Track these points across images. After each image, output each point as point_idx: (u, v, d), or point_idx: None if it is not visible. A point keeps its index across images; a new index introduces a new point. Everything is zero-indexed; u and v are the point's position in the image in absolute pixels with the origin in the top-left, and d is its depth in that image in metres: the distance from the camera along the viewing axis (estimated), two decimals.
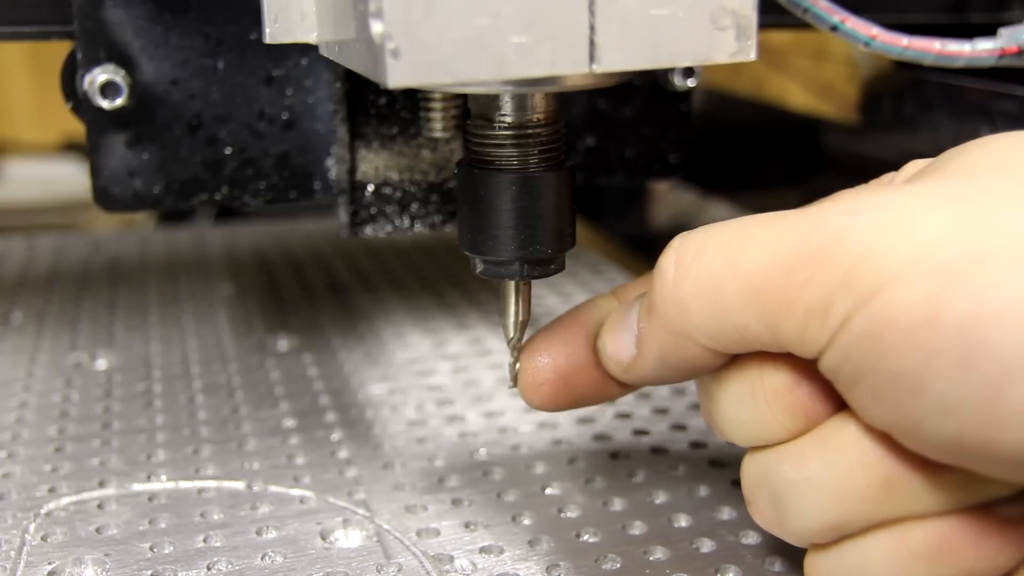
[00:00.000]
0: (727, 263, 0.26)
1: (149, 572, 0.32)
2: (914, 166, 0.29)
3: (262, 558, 0.33)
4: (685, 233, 0.28)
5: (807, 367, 0.27)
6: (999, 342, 0.22)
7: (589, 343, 0.32)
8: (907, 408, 0.24)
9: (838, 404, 0.27)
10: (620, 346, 0.30)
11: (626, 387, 0.32)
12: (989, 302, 0.22)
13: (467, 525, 0.35)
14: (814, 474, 0.27)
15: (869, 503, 0.26)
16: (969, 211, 0.24)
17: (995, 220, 0.23)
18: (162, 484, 0.38)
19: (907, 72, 0.52)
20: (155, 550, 0.33)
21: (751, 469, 0.29)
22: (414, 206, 0.42)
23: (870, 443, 0.26)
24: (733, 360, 0.28)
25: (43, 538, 0.34)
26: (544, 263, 0.32)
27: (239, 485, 0.38)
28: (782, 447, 0.28)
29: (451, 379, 0.47)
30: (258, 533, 0.34)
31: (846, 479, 0.26)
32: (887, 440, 0.26)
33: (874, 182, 0.31)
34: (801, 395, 0.27)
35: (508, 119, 0.31)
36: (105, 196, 0.39)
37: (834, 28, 0.36)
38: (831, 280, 0.24)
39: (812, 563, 0.29)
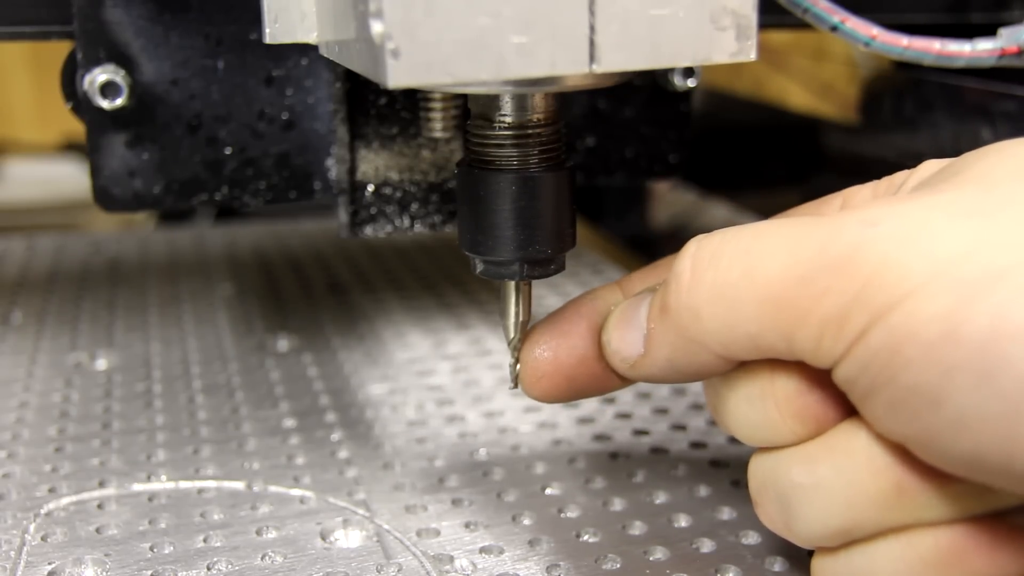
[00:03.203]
0: (743, 272, 0.26)
1: (149, 572, 0.32)
2: (929, 167, 0.29)
3: (262, 558, 0.33)
4: (701, 237, 0.28)
5: (818, 373, 0.27)
6: (1019, 359, 0.22)
7: (592, 335, 0.32)
8: (924, 422, 0.24)
9: (848, 410, 0.27)
10: (626, 344, 0.30)
11: (628, 380, 0.32)
12: (1009, 319, 0.22)
13: (467, 525, 0.35)
14: (823, 479, 0.27)
15: (879, 510, 0.26)
16: (989, 224, 0.24)
17: (1015, 234, 0.23)
18: (162, 484, 0.38)
19: (907, 72, 0.52)
20: (155, 550, 0.33)
21: (759, 470, 0.29)
22: (414, 206, 0.42)
23: (880, 450, 0.26)
24: (743, 361, 0.28)
25: (43, 538, 0.34)
26: (544, 263, 0.32)
27: (239, 485, 0.38)
28: (791, 450, 0.28)
29: (451, 379, 0.47)
30: (258, 533, 0.34)
31: (856, 485, 0.26)
32: (898, 447, 0.25)
33: (887, 180, 0.30)
34: (811, 401, 0.27)
35: (508, 119, 0.31)
36: (105, 196, 0.39)
37: (834, 28, 0.36)
38: (848, 292, 0.24)
39: (819, 566, 0.28)
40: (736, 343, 0.27)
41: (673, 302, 0.27)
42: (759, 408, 0.28)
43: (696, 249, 0.27)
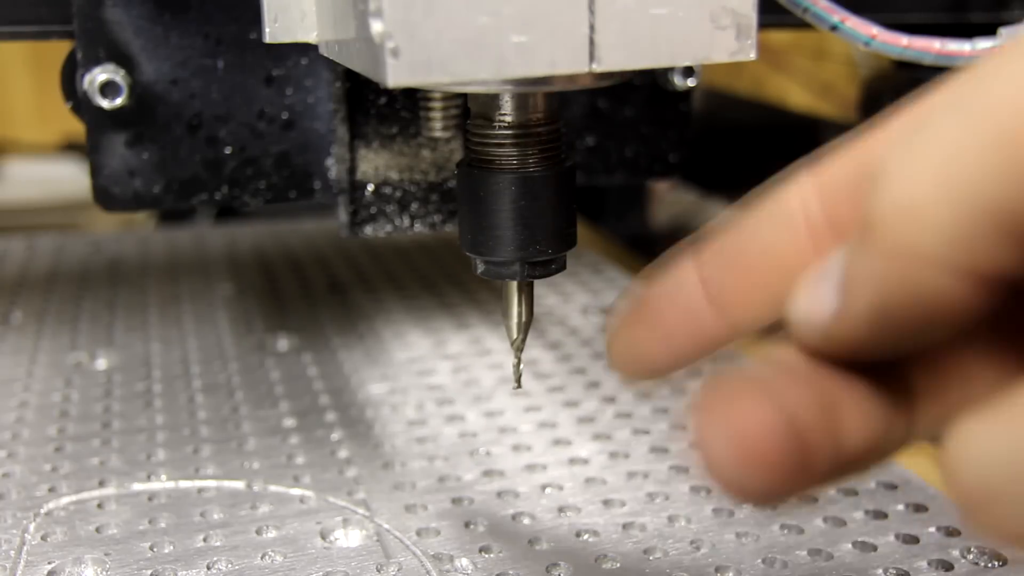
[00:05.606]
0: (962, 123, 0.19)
1: (149, 572, 0.32)
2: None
3: (262, 557, 0.33)
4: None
5: None
6: None
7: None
8: None
9: None
10: (816, 301, 0.22)
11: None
12: None
13: (467, 525, 0.35)
14: None
15: None
16: None
17: None
18: (162, 484, 0.38)
19: (907, 72, 0.52)
20: (155, 549, 0.33)
21: (994, 459, 0.18)
22: (414, 206, 0.42)
23: None
24: None
25: (43, 538, 0.34)
26: (545, 263, 0.32)
27: (239, 485, 0.38)
28: None
29: (451, 379, 0.47)
30: (258, 532, 0.34)
31: None
32: None
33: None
34: None
35: (508, 119, 0.31)
36: (105, 196, 0.39)
37: (834, 28, 0.36)
38: None
39: None
40: (974, 227, 0.18)
41: (881, 204, 0.19)
42: None
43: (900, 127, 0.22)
